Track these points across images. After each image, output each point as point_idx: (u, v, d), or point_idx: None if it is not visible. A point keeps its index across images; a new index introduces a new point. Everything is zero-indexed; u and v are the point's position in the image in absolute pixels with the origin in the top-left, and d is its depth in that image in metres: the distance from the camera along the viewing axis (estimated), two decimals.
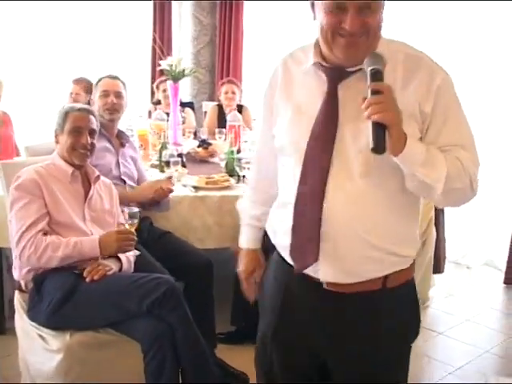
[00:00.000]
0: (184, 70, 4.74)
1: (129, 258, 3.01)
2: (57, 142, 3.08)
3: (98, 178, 3.11)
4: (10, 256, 4.09)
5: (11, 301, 3.95)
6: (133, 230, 2.91)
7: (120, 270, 2.94)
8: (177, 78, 4.77)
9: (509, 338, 4.26)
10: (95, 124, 3.09)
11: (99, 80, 3.82)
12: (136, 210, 2.96)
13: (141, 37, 7.29)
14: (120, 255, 2.95)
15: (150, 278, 2.72)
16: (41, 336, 2.75)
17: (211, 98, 7.43)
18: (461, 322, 4.46)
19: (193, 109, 6.43)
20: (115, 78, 3.82)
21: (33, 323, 2.82)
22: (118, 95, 3.73)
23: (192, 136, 5.30)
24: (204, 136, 5.31)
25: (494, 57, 5.67)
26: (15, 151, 5.28)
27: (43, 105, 6.63)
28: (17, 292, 3.07)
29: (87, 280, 2.75)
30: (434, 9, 5.98)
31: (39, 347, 2.76)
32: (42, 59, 6.75)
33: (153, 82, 6.76)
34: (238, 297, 3.63)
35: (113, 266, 2.88)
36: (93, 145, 3.04)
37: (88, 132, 3.02)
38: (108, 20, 7.03)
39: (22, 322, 2.92)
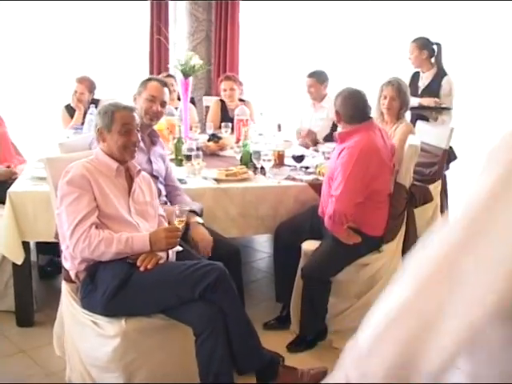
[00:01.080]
0: (194, 66, 4.86)
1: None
2: (103, 139, 3.15)
3: (139, 172, 3.23)
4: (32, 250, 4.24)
5: (36, 295, 4.11)
6: (180, 226, 3.06)
7: (167, 258, 3.09)
8: (187, 73, 4.88)
9: None
10: (138, 120, 3.22)
11: (149, 79, 3.87)
12: (186, 208, 3.10)
13: (139, 33, 7.36)
14: None
15: (201, 265, 2.86)
16: (95, 323, 2.88)
17: (207, 93, 7.52)
18: None
19: (194, 104, 6.54)
20: (165, 84, 3.89)
21: (85, 311, 2.94)
22: (163, 104, 3.81)
23: (198, 130, 5.43)
24: (211, 130, 5.44)
25: (495, 55, 5.84)
26: (12, 147, 5.35)
27: (44, 103, 6.68)
28: (64, 282, 3.18)
29: (141, 269, 2.87)
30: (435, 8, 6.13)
31: (93, 334, 2.89)
32: (39, 58, 6.81)
33: None
34: (280, 273, 3.77)
35: (164, 255, 3.03)
36: (140, 142, 3.20)
37: (136, 129, 3.15)
38: (106, 18, 7.10)
39: (72, 311, 3.04)
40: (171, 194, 3.76)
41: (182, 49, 7.32)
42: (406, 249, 3.98)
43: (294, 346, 3.81)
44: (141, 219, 3.11)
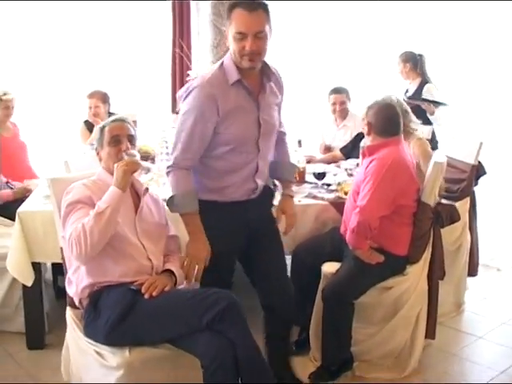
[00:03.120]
0: None
1: (180, 272, 3.01)
2: (100, 158, 3.10)
3: (146, 190, 3.11)
4: (45, 272, 4.14)
5: (49, 316, 4.00)
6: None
7: (175, 284, 2.94)
8: None
9: None
10: (132, 130, 3.10)
11: (233, 6, 2.94)
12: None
13: (160, 47, 7.27)
14: (173, 269, 2.96)
15: (210, 293, 2.69)
16: (98, 353, 2.74)
17: None
18: (497, 325, 4.46)
19: None
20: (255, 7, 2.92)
21: (89, 340, 2.81)
22: (259, 35, 2.91)
23: None
24: None
25: (494, 54, 5.75)
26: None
27: (65, 118, 6.62)
28: (68, 308, 3.06)
29: (146, 296, 2.74)
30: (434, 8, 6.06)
31: (96, 364, 2.74)
32: (61, 71, 6.73)
33: (174, 92, 6.75)
34: (298, 295, 3.60)
35: (169, 281, 2.88)
36: (137, 157, 3.00)
37: (128, 139, 3.03)
38: (128, 30, 7.01)
39: (76, 339, 2.91)
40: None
41: (205, 62, 7.20)
42: (432, 271, 3.79)
43: (317, 377, 3.62)
44: (147, 240, 2.98)
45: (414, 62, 6.05)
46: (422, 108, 5.69)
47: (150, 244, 2.98)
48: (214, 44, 7.19)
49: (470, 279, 4.84)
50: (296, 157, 4.60)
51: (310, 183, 4.45)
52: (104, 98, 5.85)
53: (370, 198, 3.46)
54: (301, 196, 4.12)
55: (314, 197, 4.14)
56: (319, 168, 4.64)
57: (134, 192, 3.08)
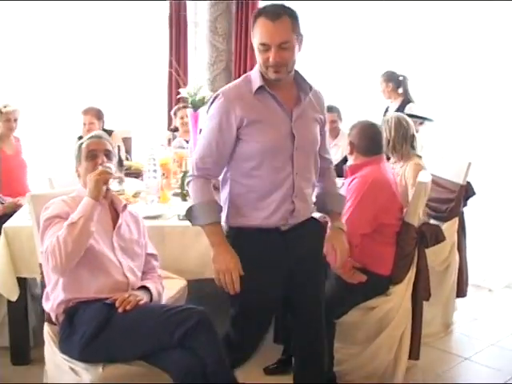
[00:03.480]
0: (204, 98, 4.75)
1: (159, 289, 3.03)
2: (78, 175, 3.12)
3: (125, 207, 3.13)
4: (34, 286, 4.14)
5: (35, 331, 3.99)
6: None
7: (150, 300, 2.94)
8: (197, 105, 4.77)
9: None
10: (109, 145, 3.13)
11: (258, 15, 2.78)
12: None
13: (157, 64, 7.31)
14: (149, 286, 2.97)
15: (182, 309, 2.71)
16: (72, 369, 2.73)
17: None
18: (486, 346, 4.43)
19: None
20: (277, 16, 2.72)
21: (64, 356, 2.81)
22: (283, 45, 2.72)
23: None
24: None
25: (493, 55, 5.82)
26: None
27: (57, 135, 6.66)
28: (46, 324, 3.07)
29: (119, 310, 2.74)
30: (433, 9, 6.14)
31: (70, 380, 2.74)
32: (57, 89, 6.80)
33: (170, 109, 6.79)
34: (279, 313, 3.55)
35: (144, 296, 2.89)
36: (110, 168, 3.02)
37: (104, 154, 3.06)
38: (124, 47, 7.07)
39: (52, 355, 2.92)
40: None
41: (201, 79, 7.24)
42: (416, 292, 3.79)
43: None
44: (125, 257, 2.99)
45: (397, 82, 6.21)
46: None
47: (127, 261, 2.99)
48: (211, 62, 7.25)
49: (461, 300, 4.83)
50: None
51: None
52: (98, 115, 5.88)
53: (350, 214, 3.48)
54: None
55: None
56: None
57: (113, 208, 3.10)
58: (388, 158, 4.30)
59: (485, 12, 5.82)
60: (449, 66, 6.21)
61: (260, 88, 2.74)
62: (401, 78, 6.21)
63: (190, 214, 2.81)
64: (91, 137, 3.14)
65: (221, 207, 2.82)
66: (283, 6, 2.70)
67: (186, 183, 2.99)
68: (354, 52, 6.92)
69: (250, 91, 2.75)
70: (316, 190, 3.07)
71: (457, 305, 4.79)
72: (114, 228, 3.02)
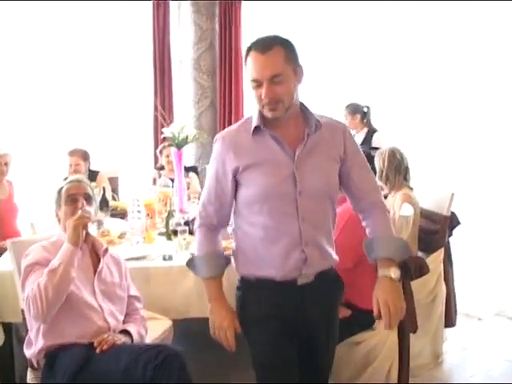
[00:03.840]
0: (187, 137, 4.78)
1: (140, 332, 3.04)
2: (58, 219, 3.13)
3: (106, 251, 3.13)
4: (20, 331, 4.11)
5: (22, 376, 3.96)
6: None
7: (131, 341, 2.96)
8: (180, 145, 4.80)
9: None
10: (89, 190, 3.15)
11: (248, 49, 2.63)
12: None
13: (142, 103, 7.35)
14: (130, 330, 2.97)
15: (154, 345, 2.77)
16: None
17: None
18: (476, 376, 4.42)
19: (197, 173, 6.47)
20: (267, 48, 2.53)
21: None
22: (274, 78, 2.53)
23: (197, 201, 5.31)
24: None
25: (472, 85, 5.89)
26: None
27: (43, 177, 6.68)
28: (29, 370, 3.06)
29: (97, 351, 2.77)
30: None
31: None
32: (42, 130, 6.83)
33: (156, 148, 6.82)
34: None
35: (123, 338, 2.91)
36: (89, 212, 3.04)
37: (84, 198, 3.07)
38: (110, 86, 7.12)
39: None
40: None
41: (187, 116, 7.29)
42: (402, 324, 3.77)
43: None
44: (106, 301, 3.00)
45: (362, 113, 6.45)
46: (372, 156, 5.75)
47: (108, 305, 3.00)
48: (196, 99, 7.30)
49: (451, 329, 4.82)
50: None
51: None
52: (84, 156, 5.91)
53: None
54: None
55: None
56: None
57: (94, 253, 3.11)
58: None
59: (458, 41, 5.96)
60: (431, 96, 6.27)
61: (258, 128, 2.54)
62: (365, 110, 6.47)
63: (191, 264, 2.69)
64: (71, 181, 3.16)
65: (223, 258, 2.65)
66: (275, 37, 2.49)
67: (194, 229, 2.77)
68: (319, 85, 6.99)
69: (249, 132, 2.55)
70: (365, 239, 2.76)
71: (446, 334, 4.78)
72: (95, 272, 3.03)
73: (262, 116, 2.54)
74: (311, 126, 2.55)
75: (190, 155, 7.26)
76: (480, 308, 5.66)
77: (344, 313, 3.54)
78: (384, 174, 4.47)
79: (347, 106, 6.47)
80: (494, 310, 5.68)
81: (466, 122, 5.96)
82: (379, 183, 4.18)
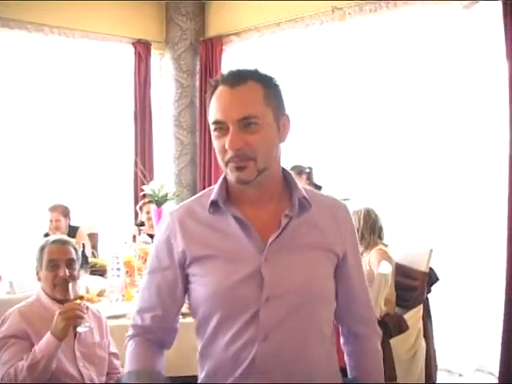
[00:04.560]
0: (167, 194, 4.80)
1: None
2: (38, 278, 3.06)
3: (86, 309, 3.07)
4: None
5: None
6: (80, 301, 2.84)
7: None
8: (160, 202, 4.82)
9: None
10: (73, 253, 3.06)
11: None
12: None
13: (123, 159, 7.38)
14: None
15: None
16: None
17: None
18: None
19: None
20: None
21: None
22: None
23: None
24: None
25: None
26: None
27: (23, 232, 6.64)
28: None
29: None
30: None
31: None
32: (21, 186, 6.81)
33: (136, 204, 6.83)
34: None
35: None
36: (73, 276, 2.98)
37: (66, 264, 2.99)
38: (90, 142, 7.15)
39: None
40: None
41: (168, 172, 7.33)
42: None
43: None
44: (87, 365, 2.94)
45: (306, 174, 6.47)
46: None
47: (89, 369, 2.95)
48: (176, 155, 7.35)
49: None
50: None
51: None
52: (65, 212, 5.92)
53: None
54: None
55: None
56: None
57: None
58: None
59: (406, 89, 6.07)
60: (403, 150, 6.33)
61: (216, 204, 1.85)
62: (308, 170, 6.49)
63: (127, 379, 1.91)
64: (54, 241, 3.07)
65: (157, 376, 1.91)
66: (253, 70, 1.80)
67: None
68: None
69: (206, 209, 1.86)
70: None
71: None
72: (75, 336, 2.95)
73: (226, 185, 1.87)
74: (294, 203, 1.84)
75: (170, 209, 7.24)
76: (461, 364, 5.65)
77: None
78: (360, 232, 4.51)
79: (293, 168, 6.35)
80: (475, 366, 5.67)
81: (440, 177, 6.01)
82: None
